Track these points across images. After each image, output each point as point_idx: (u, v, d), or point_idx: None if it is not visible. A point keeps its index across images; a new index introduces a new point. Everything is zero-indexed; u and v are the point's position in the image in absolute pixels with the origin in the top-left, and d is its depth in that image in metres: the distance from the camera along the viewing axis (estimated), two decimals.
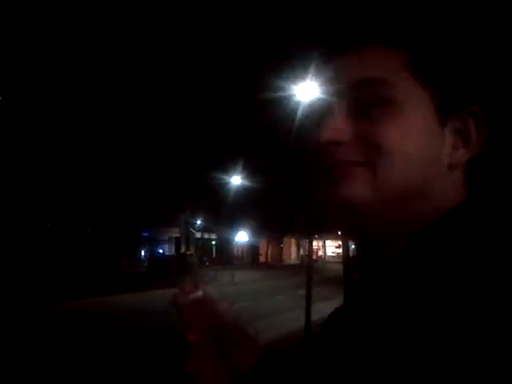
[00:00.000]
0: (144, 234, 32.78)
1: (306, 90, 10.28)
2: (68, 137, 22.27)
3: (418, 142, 0.50)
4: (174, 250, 34.81)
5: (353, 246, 8.74)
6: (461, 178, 0.52)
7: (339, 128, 0.52)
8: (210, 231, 37.71)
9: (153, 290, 17.06)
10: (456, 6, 0.56)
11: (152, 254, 31.11)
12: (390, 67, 0.51)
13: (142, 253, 32.23)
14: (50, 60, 19.15)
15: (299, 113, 10.85)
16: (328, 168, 0.53)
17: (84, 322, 10.15)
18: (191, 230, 36.32)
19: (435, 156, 0.51)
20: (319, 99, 0.57)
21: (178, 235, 35.51)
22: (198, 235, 36.81)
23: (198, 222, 35.90)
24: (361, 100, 0.52)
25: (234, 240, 37.61)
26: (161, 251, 32.95)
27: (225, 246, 38.64)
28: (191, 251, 33.96)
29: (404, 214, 0.51)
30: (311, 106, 10.21)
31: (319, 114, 0.56)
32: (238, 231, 36.25)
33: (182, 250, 34.45)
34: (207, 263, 34.76)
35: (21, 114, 20.21)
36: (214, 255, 39.01)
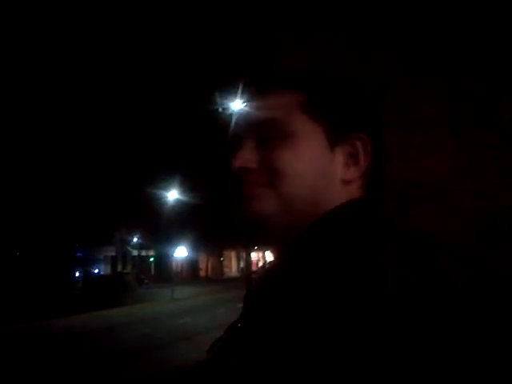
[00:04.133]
0: (78, 254, 31.58)
1: (235, 105, 10.51)
2: None
3: (310, 164, 0.62)
4: (110, 269, 33.76)
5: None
6: (357, 190, 0.65)
7: (247, 157, 0.66)
8: (147, 248, 36.90)
9: (89, 311, 16.49)
10: (332, 62, 0.77)
11: (87, 275, 30.01)
12: (286, 108, 0.64)
13: (77, 274, 31.01)
14: None
15: (228, 128, 11.08)
16: (241, 189, 0.66)
17: (16, 349, 9.64)
18: (127, 247, 35.40)
19: (327, 174, 0.63)
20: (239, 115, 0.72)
21: (114, 254, 34.51)
22: (135, 253, 35.90)
23: (135, 239, 35.05)
24: (264, 135, 0.65)
25: (172, 256, 37.02)
26: (96, 271, 31.85)
27: (163, 262, 37.97)
28: (128, 269, 33.09)
29: (305, 219, 0.61)
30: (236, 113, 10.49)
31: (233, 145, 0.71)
32: (176, 247, 35.72)
33: (119, 268, 33.48)
34: (146, 281, 33.98)
35: None
36: (152, 272, 38.18)
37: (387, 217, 0.61)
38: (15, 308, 16.66)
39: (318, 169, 0.62)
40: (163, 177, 26.10)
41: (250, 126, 0.67)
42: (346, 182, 0.63)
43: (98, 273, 31.72)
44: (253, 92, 0.70)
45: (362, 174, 0.64)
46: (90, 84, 22.79)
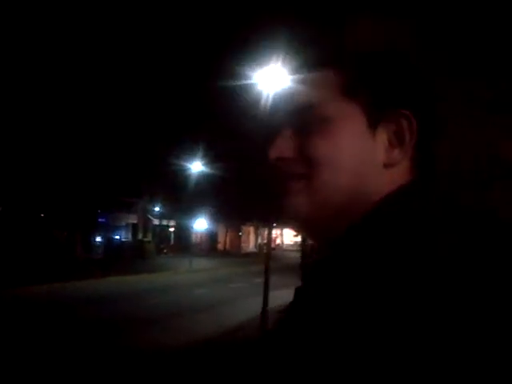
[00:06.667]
0: (100, 220, 32.09)
1: (269, 76, 10.24)
2: (18, 122, 21.53)
3: (349, 151, 0.58)
4: (131, 236, 34.29)
5: None
6: (404, 174, 0.59)
7: (283, 146, 0.62)
8: (168, 218, 37.31)
9: (109, 276, 16.82)
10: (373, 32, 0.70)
11: (108, 241, 30.53)
12: (323, 91, 0.61)
13: (98, 239, 31.59)
14: None
15: (259, 99, 10.83)
16: (276, 181, 0.63)
17: (38, 308, 9.90)
18: (149, 216, 35.84)
19: (369, 159, 0.59)
20: (281, 89, 0.67)
21: (136, 221, 34.99)
22: (156, 222, 36.33)
23: (157, 208, 35.42)
24: (302, 122, 0.61)
25: (192, 227, 37.39)
26: (117, 237, 32.38)
27: (183, 233, 38.40)
28: (149, 238, 33.55)
29: (345, 212, 0.58)
30: (272, 94, 10.20)
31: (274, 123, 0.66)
32: (196, 218, 36.03)
33: (140, 236, 33.99)
34: (165, 250, 34.44)
35: None
36: (172, 242, 38.69)
37: (442, 201, 0.56)
38: (36, 269, 17.09)
39: (358, 155, 0.58)
40: (187, 148, 26.16)
41: (286, 113, 0.64)
42: (389, 166, 0.59)
43: (120, 239, 32.24)
44: (289, 71, 0.65)
45: (409, 155, 0.59)
46: (107, 57, 22.79)
